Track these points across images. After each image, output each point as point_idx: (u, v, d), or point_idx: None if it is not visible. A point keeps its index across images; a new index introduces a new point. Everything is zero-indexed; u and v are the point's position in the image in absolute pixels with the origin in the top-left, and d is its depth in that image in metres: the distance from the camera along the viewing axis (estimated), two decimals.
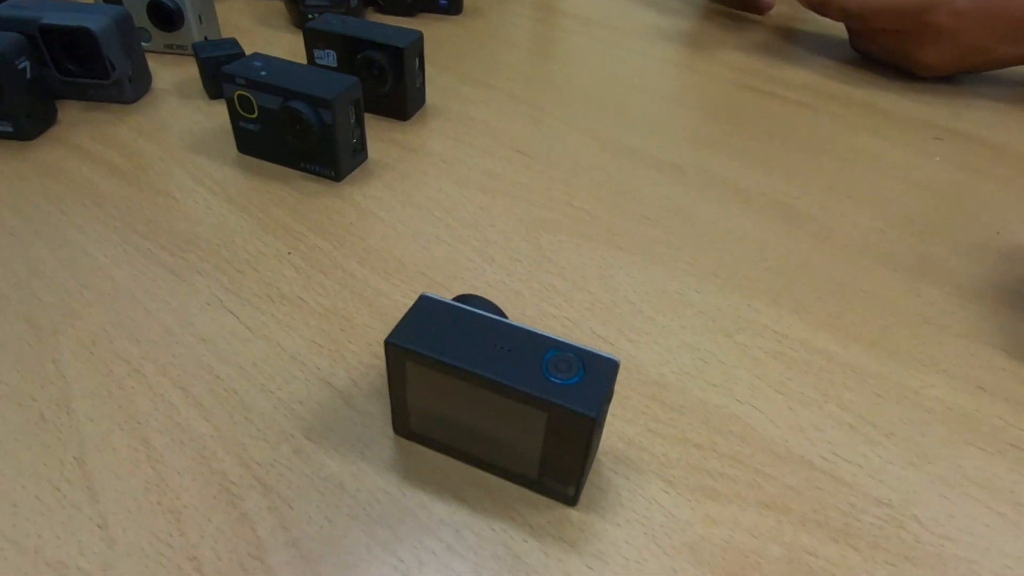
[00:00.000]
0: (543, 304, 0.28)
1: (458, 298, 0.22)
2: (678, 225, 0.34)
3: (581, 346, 0.19)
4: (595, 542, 0.19)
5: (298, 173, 0.36)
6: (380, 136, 0.40)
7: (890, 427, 0.23)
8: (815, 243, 0.33)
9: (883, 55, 0.55)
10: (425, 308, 0.20)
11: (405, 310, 0.27)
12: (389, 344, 0.19)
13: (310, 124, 0.32)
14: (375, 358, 0.25)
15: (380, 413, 0.23)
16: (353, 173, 0.36)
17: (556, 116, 0.44)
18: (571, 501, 0.20)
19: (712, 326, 0.27)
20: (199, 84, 0.44)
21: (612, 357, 0.19)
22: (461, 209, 0.34)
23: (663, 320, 0.28)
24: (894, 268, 0.32)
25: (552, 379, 0.18)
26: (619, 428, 0.23)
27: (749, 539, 0.20)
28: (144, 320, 0.26)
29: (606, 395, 0.18)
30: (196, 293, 0.28)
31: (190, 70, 0.46)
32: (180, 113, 0.41)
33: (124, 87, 0.40)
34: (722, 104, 0.49)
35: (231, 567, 0.18)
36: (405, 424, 0.21)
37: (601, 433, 0.20)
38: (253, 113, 0.34)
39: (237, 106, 0.35)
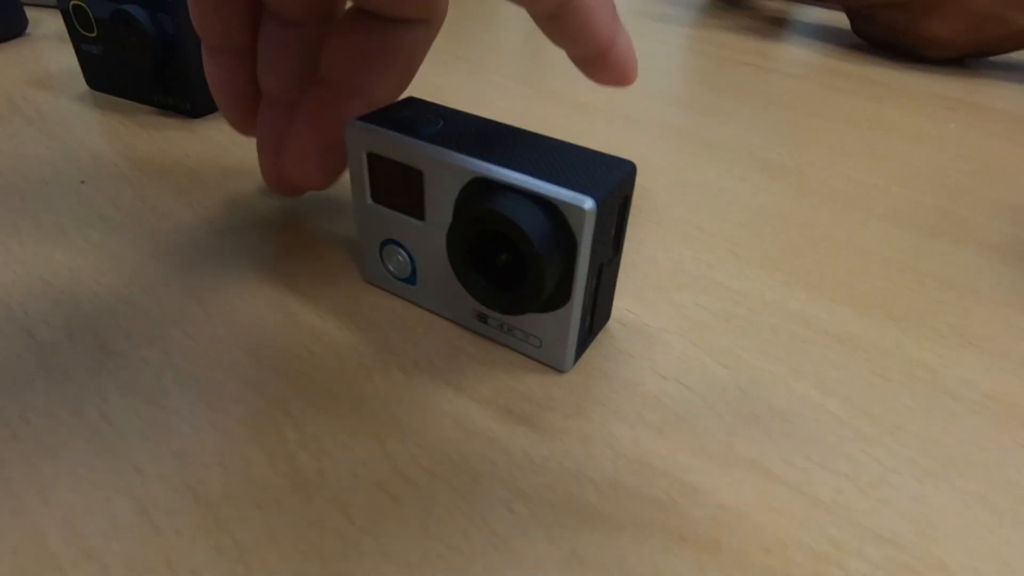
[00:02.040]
0: None
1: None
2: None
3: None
4: None
5: (150, 109, 0.29)
6: None
7: (896, 419, 0.15)
8: (795, 196, 0.25)
9: (887, 36, 0.49)
10: None
11: (207, 257, 0.19)
12: None
13: (144, 32, 0.25)
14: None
15: None
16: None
17: (500, 72, 0.37)
18: None
19: (641, 282, 0.19)
20: None
21: None
22: None
23: None
24: (902, 225, 0.24)
25: None
26: None
27: None
28: None
29: None
30: None
31: None
32: (45, 53, 0.35)
33: None
34: (697, 70, 0.42)
35: None
36: None
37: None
38: (92, 31, 0.28)
39: (74, 21, 0.28)
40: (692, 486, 0.13)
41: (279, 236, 0.20)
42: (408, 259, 0.17)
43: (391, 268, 0.17)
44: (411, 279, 0.17)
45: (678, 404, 0.15)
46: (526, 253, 0.13)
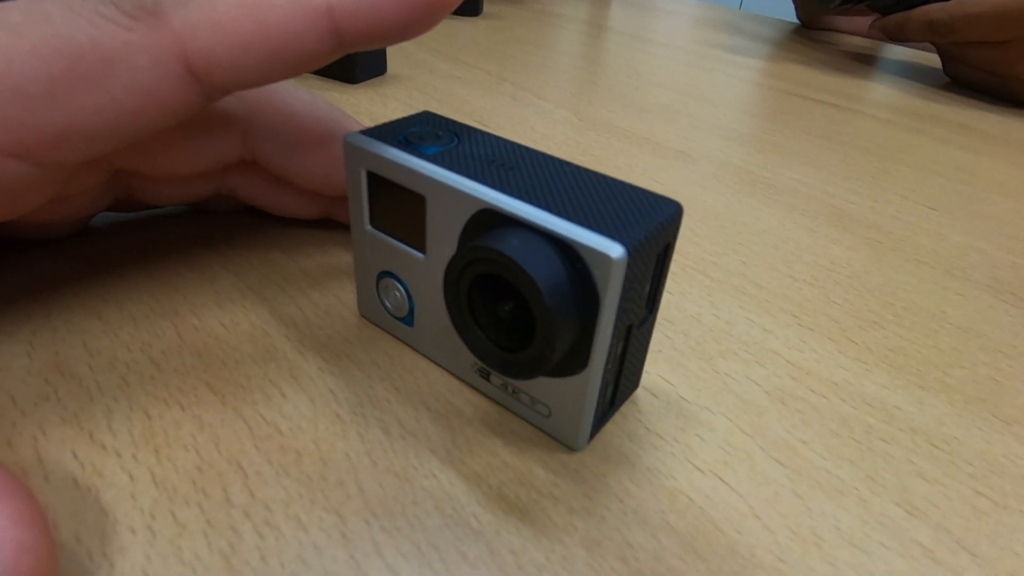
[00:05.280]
0: None
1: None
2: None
3: None
4: None
5: None
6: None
7: (1014, 565, 0.11)
8: (873, 253, 0.22)
9: (983, 80, 0.44)
10: None
11: (195, 274, 0.18)
12: None
13: None
14: None
15: None
16: None
17: (545, 97, 0.35)
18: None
19: (681, 344, 0.16)
20: None
21: None
22: None
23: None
24: (1012, 300, 0.20)
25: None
26: None
27: None
28: None
29: None
30: None
31: None
32: None
33: None
34: (764, 105, 0.39)
35: None
36: None
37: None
38: None
39: None
40: None
41: (277, 257, 0.18)
42: (406, 296, 0.14)
43: (387, 304, 0.15)
44: (408, 319, 0.15)
45: (716, 509, 0.12)
46: (534, 307, 0.10)
